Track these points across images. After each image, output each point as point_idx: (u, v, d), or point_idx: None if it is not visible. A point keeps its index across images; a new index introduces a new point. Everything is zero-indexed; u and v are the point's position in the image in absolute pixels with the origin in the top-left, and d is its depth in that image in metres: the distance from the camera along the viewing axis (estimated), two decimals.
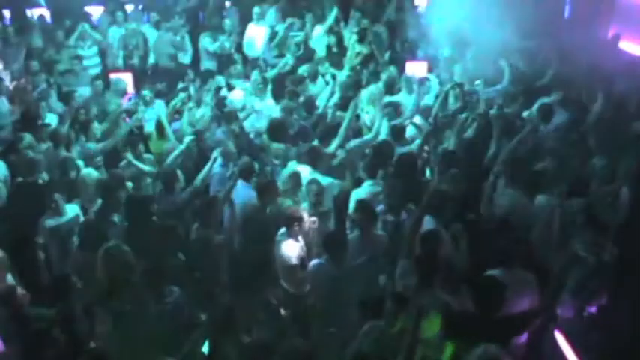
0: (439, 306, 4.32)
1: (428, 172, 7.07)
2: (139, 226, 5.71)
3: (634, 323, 4.90)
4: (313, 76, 9.59)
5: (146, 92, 8.92)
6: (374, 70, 9.83)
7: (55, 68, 9.87)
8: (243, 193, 6.29)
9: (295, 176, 6.34)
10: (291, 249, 5.60)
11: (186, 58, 11.04)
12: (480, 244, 5.28)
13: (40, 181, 6.52)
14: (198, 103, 8.54)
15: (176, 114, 8.54)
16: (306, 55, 10.60)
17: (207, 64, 10.91)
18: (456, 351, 4.04)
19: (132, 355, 4.41)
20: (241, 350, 4.30)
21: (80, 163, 6.87)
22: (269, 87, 9.02)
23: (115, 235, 5.43)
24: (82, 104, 8.37)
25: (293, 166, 6.72)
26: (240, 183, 6.34)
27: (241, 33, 11.24)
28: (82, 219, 6.06)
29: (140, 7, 11.99)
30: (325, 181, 6.37)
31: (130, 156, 7.05)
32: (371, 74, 9.57)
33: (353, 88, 8.83)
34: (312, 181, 6.20)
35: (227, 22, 11.21)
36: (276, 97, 8.83)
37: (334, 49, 10.68)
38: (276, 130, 7.36)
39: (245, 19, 11.43)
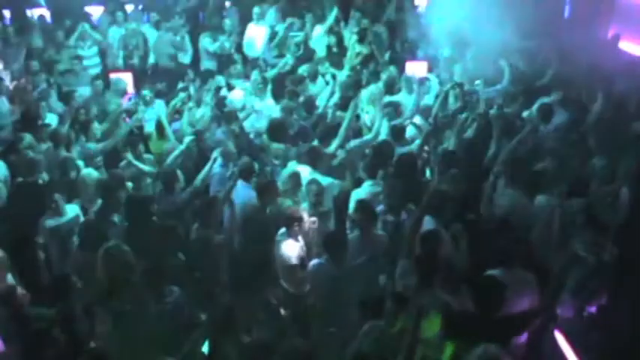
0: (439, 306, 4.32)
1: (428, 172, 7.07)
2: (139, 226, 5.71)
3: (634, 323, 4.90)
4: (313, 76, 9.59)
5: (146, 92, 8.93)
6: (374, 70, 9.84)
7: (55, 68, 9.87)
8: (243, 193, 6.29)
9: (295, 176, 6.34)
10: (291, 249, 5.60)
11: (186, 58, 11.04)
12: (479, 244, 5.28)
13: (40, 181, 6.52)
14: (198, 103, 8.54)
15: (176, 114, 8.54)
16: (306, 55, 10.60)
17: (207, 64, 10.92)
18: (456, 351, 4.05)
19: (132, 355, 4.41)
20: (241, 350, 4.30)
21: (80, 163, 6.87)
22: (269, 87, 9.02)
23: (115, 235, 5.43)
24: (82, 104, 8.37)
25: (293, 166, 6.72)
26: (240, 183, 6.34)
27: (241, 33, 11.25)
28: (82, 219, 6.06)
29: (140, 7, 11.99)
30: (325, 181, 6.37)
31: (130, 156, 7.05)
32: (371, 74, 9.57)
33: (353, 88, 8.83)
34: (312, 181, 6.20)
35: (227, 22, 11.21)
36: (276, 97, 8.83)
37: (334, 49, 10.69)
38: (276, 130, 7.36)
39: (245, 19, 11.43)
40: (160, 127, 7.93)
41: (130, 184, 6.44)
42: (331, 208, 6.41)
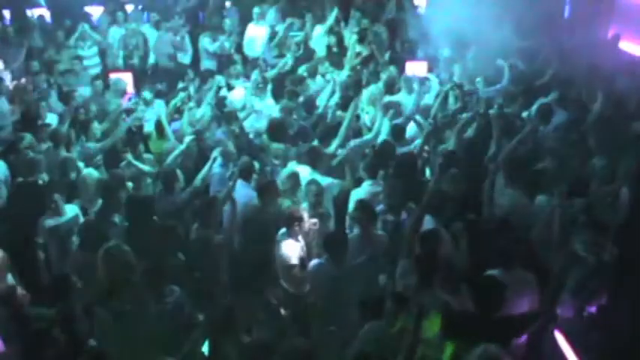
0: (439, 306, 4.32)
1: (428, 172, 7.07)
2: (139, 226, 5.71)
3: (634, 323, 4.89)
4: (313, 74, 9.59)
5: (146, 92, 8.93)
6: (374, 70, 9.84)
7: (55, 68, 9.88)
8: (243, 193, 6.29)
9: (294, 176, 6.34)
10: (291, 249, 5.60)
11: (186, 58, 11.05)
12: (480, 244, 5.28)
13: (40, 182, 6.52)
14: (199, 103, 8.54)
15: (176, 114, 8.55)
16: (306, 55, 10.61)
17: (207, 64, 10.92)
18: (456, 351, 4.04)
19: (132, 355, 4.41)
20: (241, 350, 4.30)
21: (80, 163, 6.87)
22: (269, 87, 9.02)
23: (115, 235, 5.43)
24: (81, 104, 8.38)
25: (293, 166, 6.72)
26: (240, 183, 6.34)
27: (241, 33, 11.25)
28: (81, 219, 6.06)
29: (140, 7, 11.99)
30: (325, 181, 6.37)
31: (130, 156, 7.05)
32: (371, 74, 9.58)
33: (353, 88, 8.83)
34: (312, 182, 6.20)
35: (227, 22, 11.22)
36: (276, 97, 8.83)
37: (334, 49, 10.69)
38: (276, 130, 7.36)
39: (245, 19, 11.44)
40: (159, 127, 7.94)
41: (130, 184, 6.43)
42: (331, 208, 6.41)
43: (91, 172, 6.64)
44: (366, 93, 8.80)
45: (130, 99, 9.25)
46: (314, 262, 5.47)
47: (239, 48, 11.13)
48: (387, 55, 10.51)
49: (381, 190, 6.21)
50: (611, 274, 4.94)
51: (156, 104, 8.79)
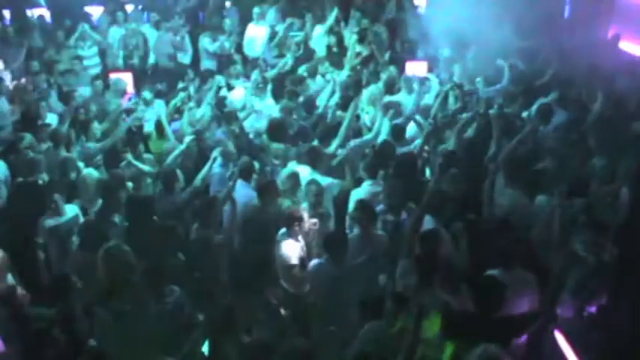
0: (439, 306, 4.32)
1: (428, 172, 7.07)
2: (139, 226, 5.71)
3: (634, 323, 4.89)
4: (313, 74, 9.59)
5: (146, 92, 8.93)
6: (374, 70, 9.84)
7: (55, 68, 9.88)
8: (243, 193, 6.29)
9: (294, 176, 6.34)
10: (291, 249, 5.60)
11: (186, 58, 11.05)
12: (480, 244, 5.28)
13: (40, 181, 6.52)
14: (199, 103, 8.54)
15: (176, 114, 8.55)
16: (306, 55, 10.61)
17: (207, 64, 10.92)
18: (456, 351, 4.04)
19: (132, 355, 4.41)
20: (241, 350, 4.30)
21: (80, 163, 6.87)
22: (269, 87, 9.02)
23: (115, 235, 5.43)
24: (81, 104, 8.38)
25: (293, 166, 6.72)
26: (240, 183, 6.34)
27: (241, 33, 11.25)
28: (81, 219, 6.06)
29: (140, 7, 11.99)
30: (325, 181, 6.37)
31: (130, 156, 7.05)
32: (371, 74, 9.58)
33: (353, 88, 8.83)
34: (312, 182, 6.20)
35: (227, 22, 11.22)
36: (276, 97, 8.83)
37: (334, 49, 10.69)
38: (276, 130, 7.36)
39: (245, 19, 11.44)
40: (159, 127, 7.94)
41: (130, 184, 6.44)
42: (331, 208, 6.40)
43: (91, 172, 6.64)
44: (366, 93, 8.80)
45: (130, 99, 9.25)
46: (314, 262, 5.47)
47: (239, 48, 11.13)
48: (387, 55, 10.51)
49: (381, 190, 6.21)
50: (611, 274, 4.94)
51: (156, 104, 8.79)
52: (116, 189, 6.06)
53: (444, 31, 9.86)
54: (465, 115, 7.57)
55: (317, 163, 6.69)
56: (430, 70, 10.02)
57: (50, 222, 5.93)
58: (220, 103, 8.50)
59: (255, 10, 11.08)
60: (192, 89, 8.93)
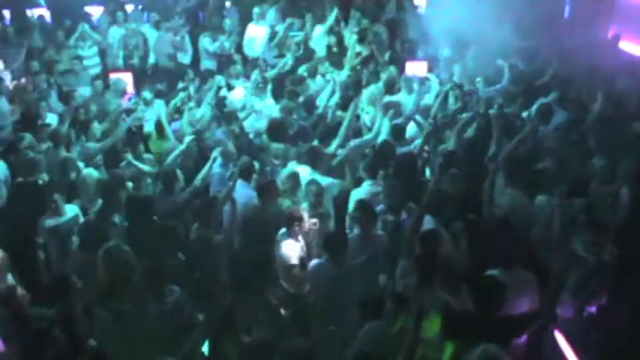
0: (439, 306, 4.32)
1: (428, 172, 7.07)
2: (139, 226, 5.71)
3: (634, 323, 4.89)
4: (313, 74, 9.59)
5: (146, 92, 8.93)
6: (374, 70, 9.84)
7: (55, 68, 9.87)
8: (243, 193, 6.29)
9: (294, 176, 6.34)
10: (291, 249, 5.60)
11: (186, 58, 11.05)
12: (480, 244, 5.28)
13: (40, 181, 6.52)
14: (199, 103, 8.53)
15: (176, 114, 8.55)
16: (306, 55, 10.61)
17: (207, 64, 10.92)
18: (456, 351, 4.04)
19: (132, 355, 4.41)
20: (241, 350, 4.30)
21: (80, 163, 6.87)
22: (269, 87, 9.02)
23: (115, 235, 5.43)
24: (81, 104, 8.38)
25: (293, 166, 6.72)
26: (240, 183, 6.34)
27: (241, 33, 11.25)
28: (81, 219, 6.06)
29: (140, 7, 11.99)
30: (325, 181, 6.37)
31: (130, 156, 7.05)
32: (371, 74, 9.58)
33: (353, 88, 8.83)
34: (312, 182, 6.20)
35: (227, 22, 11.22)
36: (276, 97, 8.83)
37: (334, 49, 10.69)
38: (276, 130, 7.36)
39: (245, 19, 11.44)
40: (159, 126, 7.94)
41: (130, 184, 6.44)
42: (331, 208, 6.40)
43: (91, 172, 6.64)
44: (366, 93, 8.80)
45: (130, 99, 9.25)
46: (314, 262, 5.47)
47: (239, 48, 11.13)
48: (387, 55, 10.51)
49: (381, 190, 6.20)
50: (611, 274, 4.94)
51: (156, 104, 8.79)
52: (116, 189, 6.06)
53: (444, 31, 9.85)
54: (465, 115, 7.57)
55: (317, 163, 6.69)
56: (430, 70, 10.02)
57: (50, 222, 5.93)
58: (220, 103, 8.50)
59: (255, 10, 11.08)
60: (192, 89, 8.93)
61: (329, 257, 5.28)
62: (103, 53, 10.97)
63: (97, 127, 7.75)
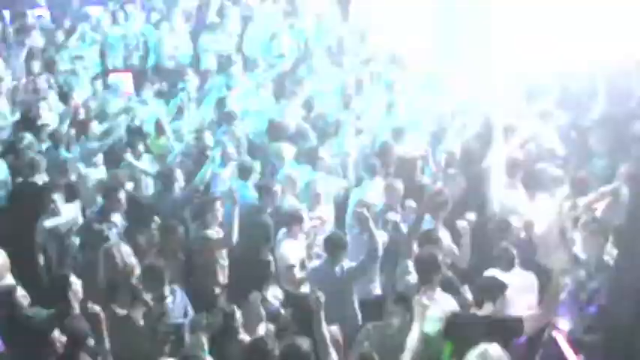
0: (439, 306, 4.32)
1: (428, 172, 7.06)
2: (139, 226, 5.71)
3: (634, 323, 4.89)
4: (313, 73, 9.60)
5: (146, 92, 8.92)
6: (374, 69, 9.81)
7: (55, 68, 9.86)
8: (243, 193, 6.28)
9: (294, 176, 6.34)
10: (291, 249, 5.60)
11: (186, 58, 11.03)
12: (480, 244, 5.28)
13: (40, 182, 6.51)
14: (199, 103, 8.53)
15: (176, 114, 8.54)
16: (306, 55, 10.60)
17: (207, 64, 10.90)
18: (455, 351, 4.04)
19: (132, 356, 4.41)
20: (241, 350, 4.29)
21: (80, 163, 6.87)
22: (269, 87, 9.01)
23: (115, 235, 5.43)
24: (81, 104, 8.37)
25: (293, 166, 6.72)
26: (240, 183, 6.34)
27: (241, 33, 11.23)
28: (80, 219, 6.06)
29: (140, 7, 11.97)
30: (325, 181, 6.37)
31: (129, 156, 7.05)
32: (371, 74, 9.56)
33: (353, 88, 8.83)
34: (312, 182, 6.20)
35: (227, 22, 11.20)
36: (276, 97, 8.82)
37: (334, 49, 10.68)
38: (276, 130, 7.36)
39: (245, 19, 11.42)
40: (159, 126, 7.93)
41: (130, 184, 6.43)
42: (331, 208, 6.40)
43: (90, 172, 6.64)
44: (365, 93, 8.80)
45: (129, 99, 9.24)
46: (314, 262, 5.46)
47: (239, 48, 11.12)
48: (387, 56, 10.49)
49: (381, 190, 6.20)
50: (611, 274, 4.94)
51: (156, 104, 8.78)
52: (116, 189, 6.05)
53: None
54: (465, 115, 7.56)
55: (317, 163, 6.69)
56: None
57: (50, 222, 5.93)
58: (220, 103, 8.49)
59: (256, 10, 11.06)
60: (192, 89, 8.92)
61: (329, 257, 5.28)
62: (103, 53, 10.95)
63: (97, 127, 7.74)
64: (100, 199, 6.14)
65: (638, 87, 8.02)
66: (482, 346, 3.53)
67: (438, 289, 4.50)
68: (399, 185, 6.09)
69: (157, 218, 5.93)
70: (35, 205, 6.09)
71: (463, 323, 4.16)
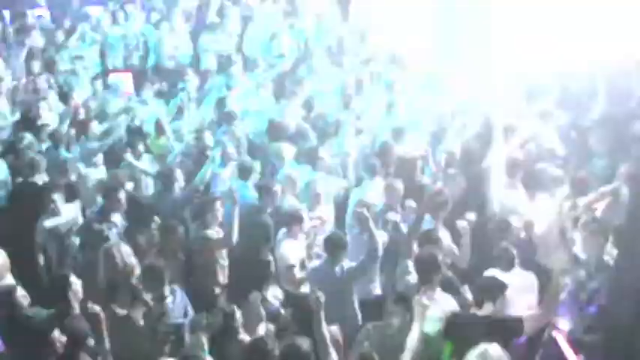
0: (439, 306, 4.32)
1: (428, 172, 7.07)
2: (139, 226, 5.71)
3: (634, 323, 4.89)
4: (313, 73, 9.60)
5: (146, 92, 8.92)
6: (374, 69, 9.81)
7: (55, 68, 9.86)
8: (243, 193, 6.29)
9: (294, 176, 6.34)
10: (291, 249, 5.60)
11: (186, 58, 11.03)
12: (480, 244, 5.28)
13: (40, 182, 6.51)
14: (199, 103, 8.53)
15: (176, 114, 8.54)
16: (306, 55, 10.60)
17: (207, 64, 10.90)
18: (455, 351, 4.04)
19: (132, 356, 4.41)
20: (241, 350, 4.30)
21: (80, 163, 6.87)
22: (269, 87, 9.01)
23: (115, 235, 5.43)
24: (81, 104, 8.37)
25: (293, 166, 6.72)
26: (240, 183, 6.34)
27: (241, 33, 11.23)
28: (80, 219, 6.06)
29: (140, 7, 11.97)
30: (325, 181, 6.38)
31: (129, 156, 7.05)
32: (371, 74, 9.56)
33: (353, 88, 8.83)
34: (312, 182, 6.21)
35: (227, 22, 11.20)
36: (276, 97, 8.82)
37: (334, 49, 10.68)
38: (276, 130, 7.36)
39: (245, 19, 11.42)
40: (159, 126, 7.93)
41: (130, 184, 6.43)
42: (331, 208, 6.40)
43: (90, 172, 6.64)
44: (365, 93, 8.80)
45: (129, 99, 9.24)
46: (314, 262, 5.46)
47: (239, 48, 11.12)
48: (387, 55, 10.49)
49: (381, 190, 6.21)
50: (611, 274, 4.94)
51: (156, 104, 8.78)
52: (116, 189, 6.05)
53: None
54: (465, 115, 7.57)
55: (317, 163, 6.69)
56: None
57: (49, 222, 5.93)
58: (220, 103, 8.49)
59: (256, 10, 11.06)
60: (192, 89, 8.92)
61: (329, 257, 5.28)
62: (103, 53, 10.95)
63: (97, 127, 7.74)
64: (100, 199, 6.14)
65: (638, 87, 8.01)
66: (483, 346, 3.54)
67: (438, 289, 4.50)
68: (399, 185, 6.10)
69: (157, 218, 5.94)
70: (35, 205, 6.09)
71: (463, 323, 4.16)
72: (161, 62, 10.99)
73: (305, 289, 5.61)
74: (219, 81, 9.27)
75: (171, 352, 4.30)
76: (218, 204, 5.91)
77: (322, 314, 4.21)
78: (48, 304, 4.60)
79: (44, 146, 7.23)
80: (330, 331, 4.69)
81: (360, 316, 5.19)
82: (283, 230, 5.72)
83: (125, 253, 4.64)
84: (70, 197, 6.35)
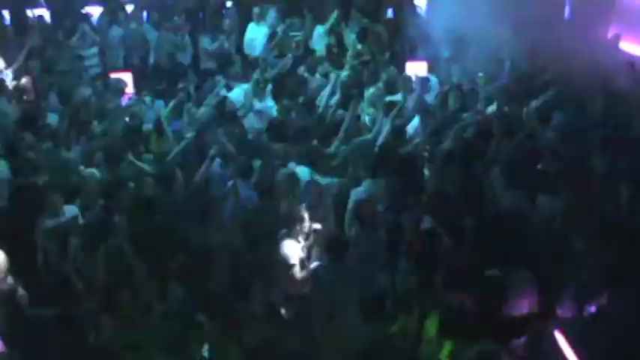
0: (439, 306, 4.32)
1: (428, 172, 7.07)
2: (139, 226, 5.71)
3: (634, 323, 4.89)
4: (313, 71, 9.60)
5: (146, 93, 8.93)
6: (374, 70, 9.82)
7: (55, 68, 9.87)
8: (243, 193, 6.29)
9: (294, 176, 6.35)
10: (291, 249, 5.60)
11: (186, 58, 11.04)
12: (480, 244, 5.28)
13: (40, 182, 6.52)
14: (199, 103, 8.53)
15: (176, 114, 8.54)
16: (306, 55, 10.60)
17: (207, 64, 10.90)
18: (455, 350, 4.05)
19: (133, 356, 4.41)
20: (241, 350, 4.30)
21: (80, 163, 6.87)
22: (269, 87, 9.02)
23: (115, 235, 5.43)
24: (81, 104, 8.37)
25: (293, 166, 6.72)
26: (240, 183, 6.34)
27: (241, 33, 11.24)
28: (80, 219, 6.06)
29: (140, 7, 11.98)
30: (325, 181, 6.38)
31: (130, 156, 7.05)
32: (371, 74, 9.56)
33: (353, 87, 8.83)
34: (312, 182, 6.21)
35: (227, 22, 11.20)
36: (276, 97, 8.82)
37: (334, 49, 10.67)
38: (276, 130, 7.36)
39: (245, 19, 11.42)
40: (159, 127, 7.93)
41: (130, 184, 6.44)
42: (331, 208, 6.40)
43: (91, 172, 6.65)
44: (366, 93, 8.80)
45: (129, 99, 9.25)
46: (314, 262, 5.47)
47: (239, 48, 11.12)
48: (387, 55, 10.50)
49: (381, 190, 6.21)
50: (611, 274, 4.94)
51: (156, 104, 8.79)
52: (116, 189, 6.06)
53: (444, 31, 9.85)
54: (465, 115, 7.57)
55: (317, 163, 6.69)
56: (430, 70, 10.00)
57: (50, 222, 5.93)
58: (220, 103, 8.49)
59: (255, 10, 11.06)
60: (192, 89, 8.92)
61: (329, 258, 5.28)
62: (103, 53, 10.95)
63: (96, 127, 7.74)
64: (100, 199, 6.14)
65: None
66: (481, 345, 3.54)
67: (438, 289, 4.51)
68: (399, 185, 6.09)
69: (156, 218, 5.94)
70: (35, 205, 6.10)
71: (463, 323, 4.16)
72: (161, 62, 11.00)
73: (305, 289, 5.62)
74: (219, 81, 9.27)
75: (171, 353, 4.29)
76: (218, 204, 5.92)
77: (322, 314, 4.22)
78: (48, 304, 4.62)
79: (44, 146, 7.22)
80: (330, 329, 4.71)
81: (360, 317, 5.18)
82: (283, 230, 5.72)
83: (125, 253, 4.65)
84: (70, 197, 6.37)
